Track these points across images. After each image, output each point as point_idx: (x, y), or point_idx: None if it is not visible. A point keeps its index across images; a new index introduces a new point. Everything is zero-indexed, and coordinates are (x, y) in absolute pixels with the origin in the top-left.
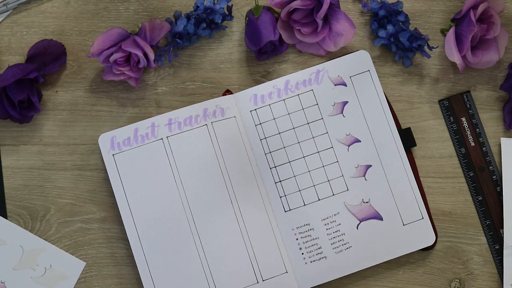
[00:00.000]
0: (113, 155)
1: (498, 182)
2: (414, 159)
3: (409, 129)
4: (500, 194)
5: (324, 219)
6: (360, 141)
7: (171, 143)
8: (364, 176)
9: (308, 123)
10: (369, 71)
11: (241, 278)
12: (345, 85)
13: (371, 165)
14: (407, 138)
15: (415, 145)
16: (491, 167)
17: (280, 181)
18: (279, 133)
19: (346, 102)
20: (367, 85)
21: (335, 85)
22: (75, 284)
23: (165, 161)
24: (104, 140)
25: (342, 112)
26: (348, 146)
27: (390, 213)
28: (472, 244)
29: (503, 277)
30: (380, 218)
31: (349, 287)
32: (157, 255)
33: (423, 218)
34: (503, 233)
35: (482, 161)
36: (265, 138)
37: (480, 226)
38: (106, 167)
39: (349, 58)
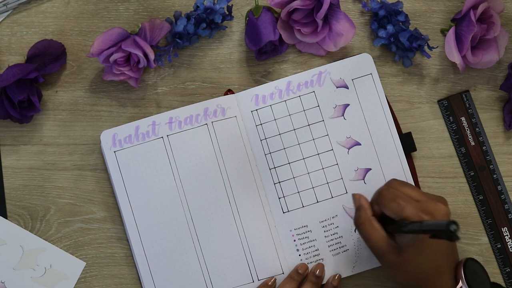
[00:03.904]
0: (114, 152)
1: (499, 181)
2: (413, 164)
3: (409, 133)
4: (501, 193)
5: (322, 221)
6: (360, 144)
7: (171, 142)
8: (364, 179)
9: (308, 125)
10: (372, 74)
11: (237, 277)
12: (347, 88)
13: (370, 169)
14: (408, 143)
15: (415, 149)
16: (491, 166)
17: (279, 182)
18: (280, 134)
19: (347, 105)
20: (369, 88)
21: (337, 87)
22: (75, 284)
23: (165, 160)
24: (106, 137)
25: (343, 115)
26: (348, 149)
27: None
28: (473, 244)
29: (503, 276)
30: None
31: (348, 287)
32: (156, 253)
33: None
34: (505, 231)
35: (482, 160)
36: (266, 138)
37: (481, 226)
38: (108, 164)
39: (352, 61)
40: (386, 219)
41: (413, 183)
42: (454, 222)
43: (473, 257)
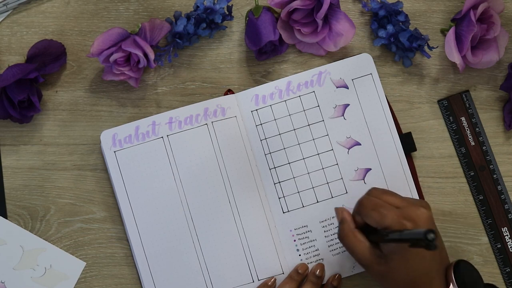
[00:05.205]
0: (114, 152)
1: (499, 181)
2: (414, 164)
3: (409, 133)
4: (501, 193)
5: (322, 221)
6: (360, 144)
7: (171, 142)
8: (364, 179)
9: (308, 125)
10: (371, 74)
11: (237, 277)
12: (347, 88)
13: (370, 169)
14: (408, 143)
15: (415, 149)
16: (491, 166)
17: (279, 182)
18: (280, 134)
19: (347, 105)
20: (369, 88)
21: (337, 87)
22: (75, 284)
23: (165, 160)
24: (106, 137)
25: (343, 115)
26: (348, 149)
27: None
28: (472, 244)
29: (503, 276)
30: None
31: (348, 287)
32: (156, 253)
33: None
34: (505, 231)
35: (482, 160)
36: (266, 138)
37: (481, 226)
38: (108, 164)
39: (352, 61)
40: (370, 229)
41: (413, 183)
42: (432, 231)
43: (464, 259)
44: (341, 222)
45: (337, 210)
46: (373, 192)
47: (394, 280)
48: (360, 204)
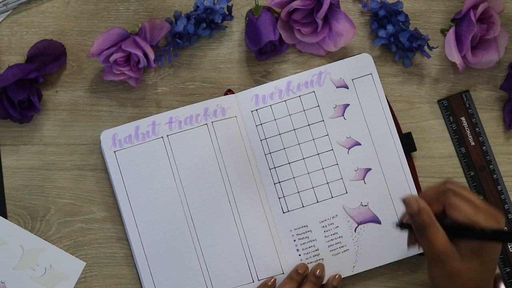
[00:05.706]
0: (114, 152)
1: (499, 181)
2: (414, 164)
3: (409, 133)
4: (501, 193)
5: (322, 221)
6: (360, 144)
7: (171, 142)
8: (364, 179)
9: (308, 125)
10: (371, 74)
11: (237, 277)
12: (347, 88)
13: (370, 169)
14: (408, 143)
15: (415, 149)
16: (491, 166)
17: (279, 182)
18: (280, 134)
19: (347, 105)
20: (369, 88)
21: (337, 87)
22: (75, 284)
23: (165, 160)
24: (106, 137)
25: (343, 115)
26: (348, 149)
27: (389, 217)
28: None
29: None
30: (378, 222)
31: (348, 287)
32: (156, 253)
33: None
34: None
35: (482, 160)
36: (266, 138)
37: None
38: (107, 164)
39: (352, 61)
40: (445, 223)
41: (413, 183)
42: None
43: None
44: (420, 212)
45: (409, 199)
46: (456, 184)
47: (463, 281)
48: (451, 193)
